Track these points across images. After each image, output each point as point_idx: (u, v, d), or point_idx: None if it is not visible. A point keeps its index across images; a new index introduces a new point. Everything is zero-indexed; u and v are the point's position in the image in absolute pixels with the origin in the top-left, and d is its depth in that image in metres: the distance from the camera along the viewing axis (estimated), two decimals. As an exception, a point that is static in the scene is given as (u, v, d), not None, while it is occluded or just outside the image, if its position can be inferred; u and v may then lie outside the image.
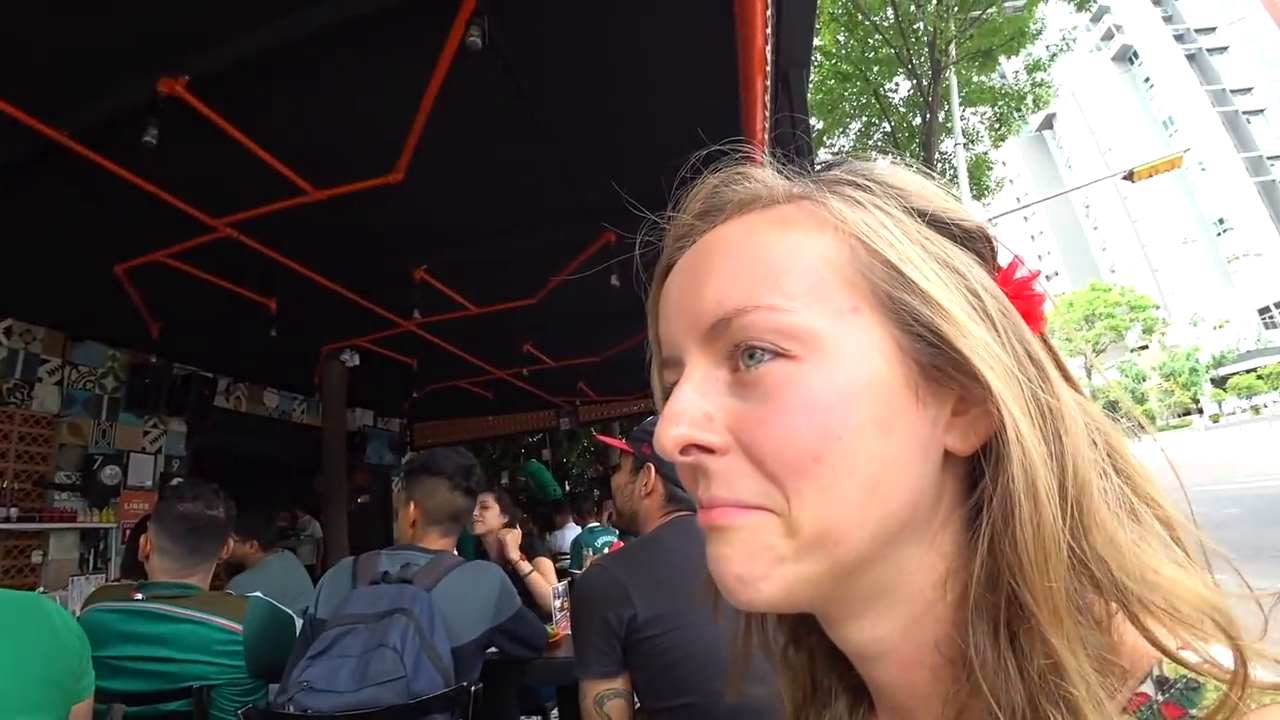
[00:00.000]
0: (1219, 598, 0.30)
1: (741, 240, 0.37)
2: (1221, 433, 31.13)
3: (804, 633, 0.45)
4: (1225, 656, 0.29)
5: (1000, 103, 12.28)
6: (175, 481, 4.03)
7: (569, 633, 1.78)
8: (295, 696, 1.40)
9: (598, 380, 5.94)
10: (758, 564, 0.33)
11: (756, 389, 0.34)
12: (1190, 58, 59.84)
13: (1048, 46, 11.86)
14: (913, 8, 10.75)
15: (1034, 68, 12.01)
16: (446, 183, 2.60)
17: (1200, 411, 45.57)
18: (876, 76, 11.70)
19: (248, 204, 2.59)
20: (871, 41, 11.26)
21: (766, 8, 1.80)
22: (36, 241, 2.74)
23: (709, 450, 0.34)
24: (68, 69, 1.86)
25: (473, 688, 1.44)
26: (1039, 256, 70.35)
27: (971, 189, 11.60)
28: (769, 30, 1.89)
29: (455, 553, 1.78)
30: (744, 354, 0.34)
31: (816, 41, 11.18)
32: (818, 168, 0.41)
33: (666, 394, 0.41)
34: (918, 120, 11.97)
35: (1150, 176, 10.64)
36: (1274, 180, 55.78)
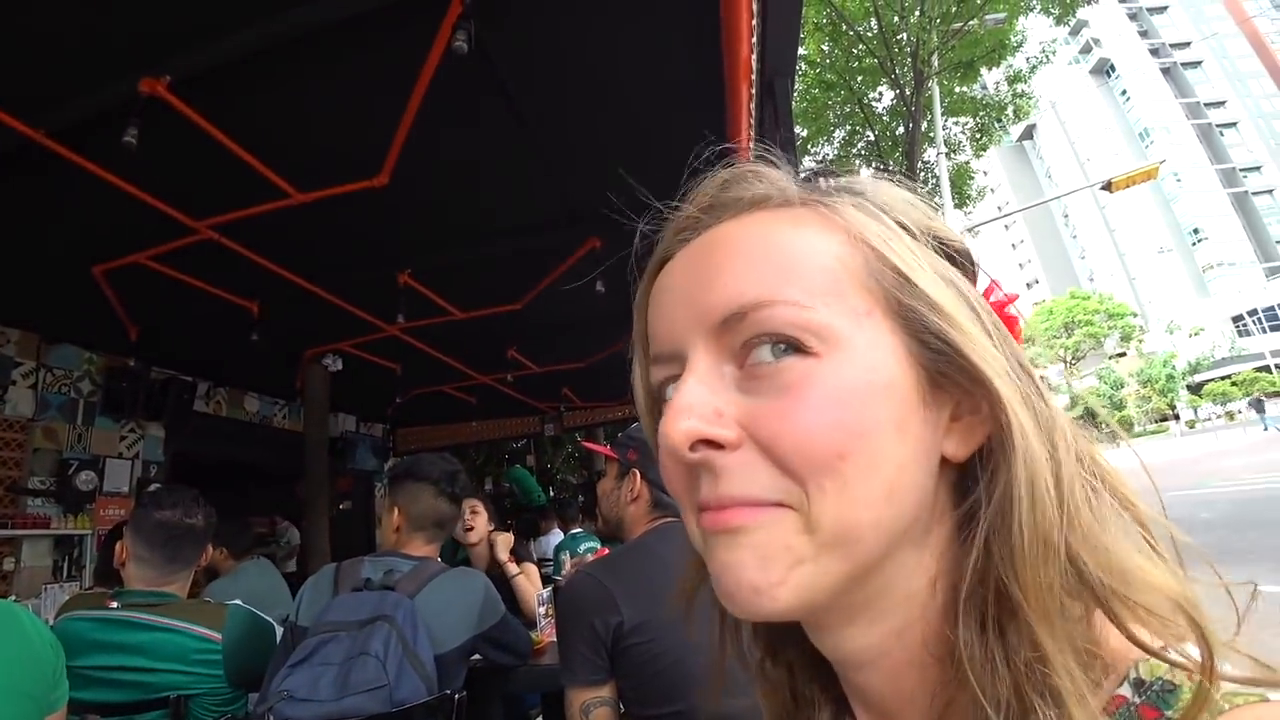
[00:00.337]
0: (1189, 589, 0.31)
1: (757, 236, 0.36)
2: (1198, 438, 31.73)
3: (781, 645, 0.44)
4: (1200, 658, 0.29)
5: (982, 113, 12.50)
6: (153, 487, 3.97)
7: (554, 639, 1.77)
8: (275, 706, 1.38)
9: (582, 386, 5.93)
10: (774, 568, 0.32)
11: (773, 383, 0.33)
12: (1165, 71, 61.25)
13: (1028, 59, 12.10)
14: (896, 19, 10.90)
15: (1014, 79, 12.24)
16: (431, 187, 2.59)
17: (1177, 417, 46.40)
18: (860, 86, 11.84)
19: (230, 206, 2.56)
20: (856, 51, 11.40)
21: (752, 17, 1.81)
22: (11, 241, 2.68)
23: (718, 446, 0.33)
24: (47, 67, 1.83)
25: (456, 696, 1.43)
26: (1019, 265, 71.44)
27: (954, 198, 11.76)
28: (754, 39, 1.91)
29: (439, 559, 1.77)
30: (757, 348, 0.34)
31: (801, 50, 11.30)
32: (803, 176, 0.41)
33: (653, 393, 0.41)
34: (901, 129, 12.12)
35: (1128, 187, 10.86)
36: (1247, 192, 57.20)
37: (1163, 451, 25.61)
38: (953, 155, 12.44)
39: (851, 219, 0.37)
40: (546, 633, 2.22)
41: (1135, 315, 49.50)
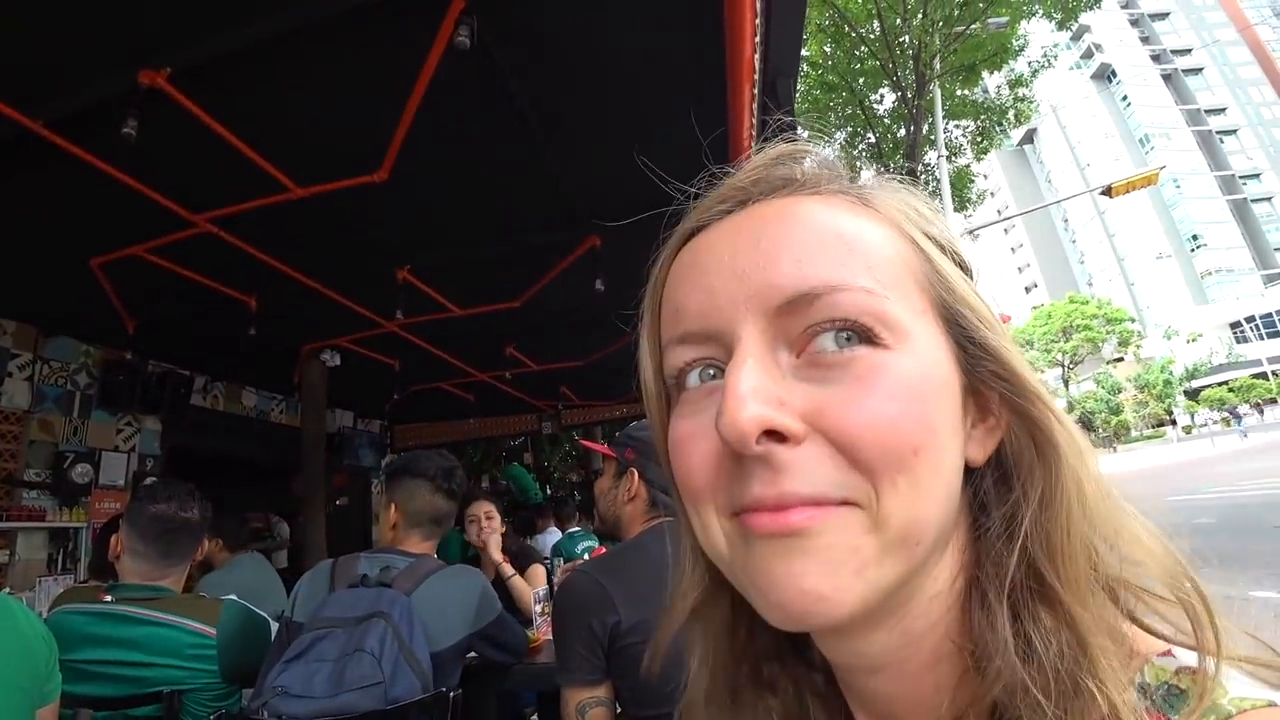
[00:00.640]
0: (1190, 569, 0.33)
1: (822, 216, 0.34)
2: (1194, 444, 31.89)
3: (776, 655, 0.43)
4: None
5: (983, 116, 12.52)
6: (149, 481, 3.96)
7: (549, 637, 1.77)
8: (269, 702, 1.37)
9: (580, 384, 5.92)
10: (842, 573, 0.30)
11: (842, 373, 0.31)
12: (1166, 78, 61.39)
13: (1029, 63, 12.12)
14: (898, 21, 10.90)
15: (1016, 83, 12.27)
16: (431, 183, 2.58)
17: (1174, 423, 46.54)
18: (862, 88, 11.85)
19: (229, 200, 2.56)
20: (858, 53, 11.41)
21: (755, 17, 1.81)
22: (10, 233, 2.67)
23: (782, 439, 0.31)
24: (46, 58, 1.82)
25: (452, 694, 1.42)
26: (1018, 269, 71.55)
27: (954, 201, 11.77)
28: (757, 39, 1.90)
29: (436, 556, 1.76)
30: (821, 335, 0.32)
31: (803, 52, 11.30)
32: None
33: (674, 376, 0.37)
34: (902, 132, 12.13)
35: (1127, 192, 10.87)
36: (1246, 199, 57.35)
37: (1159, 457, 25.80)
38: (953, 158, 12.46)
39: (900, 217, 0.37)
40: (542, 631, 2.21)
41: (1133, 320, 49.61)
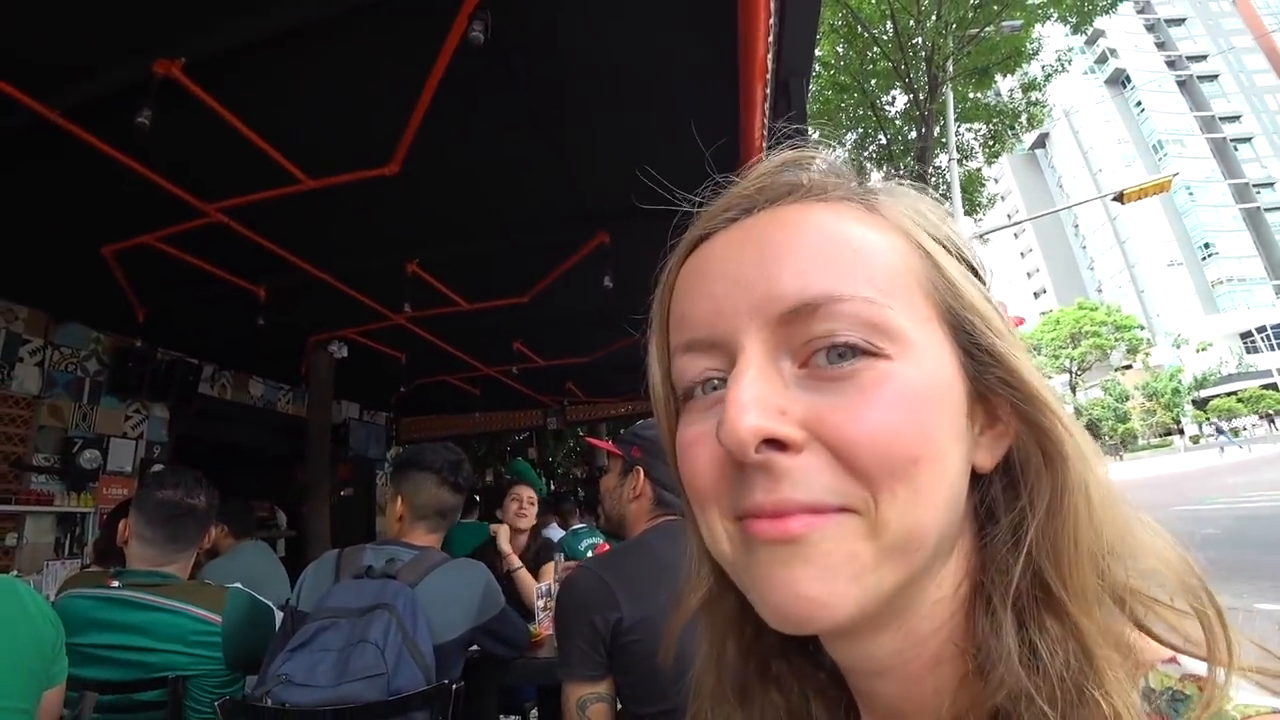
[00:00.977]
0: (1201, 573, 0.33)
1: (825, 225, 0.35)
2: (1201, 453, 31.71)
3: (781, 654, 0.43)
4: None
5: (995, 120, 12.45)
6: (157, 468, 3.99)
7: (551, 633, 1.77)
8: (273, 690, 1.38)
9: (586, 381, 5.93)
10: (838, 579, 0.31)
11: (843, 383, 0.32)
12: (1181, 84, 60.89)
13: (1043, 67, 12.04)
14: (912, 23, 10.85)
15: (1029, 87, 12.19)
16: (442, 177, 2.59)
17: (1181, 432, 46.29)
18: (874, 89, 11.81)
19: (240, 190, 2.57)
20: (870, 54, 11.36)
21: (769, 15, 1.80)
22: (23, 219, 2.69)
23: (782, 447, 0.31)
24: (62, 46, 1.83)
25: (454, 686, 1.43)
26: (1028, 274, 71.18)
27: (964, 204, 11.71)
28: (770, 38, 1.90)
29: (441, 549, 1.77)
30: (823, 344, 0.32)
31: (816, 52, 11.25)
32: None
33: (681, 388, 0.38)
34: (913, 134, 12.08)
35: (1139, 199, 10.79)
36: (1259, 208, 56.86)
37: (1166, 466, 25.65)
38: (964, 161, 12.39)
39: (907, 223, 0.37)
40: (544, 626, 2.22)
41: (1143, 328, 49.31)
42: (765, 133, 2.17)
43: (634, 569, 1.29)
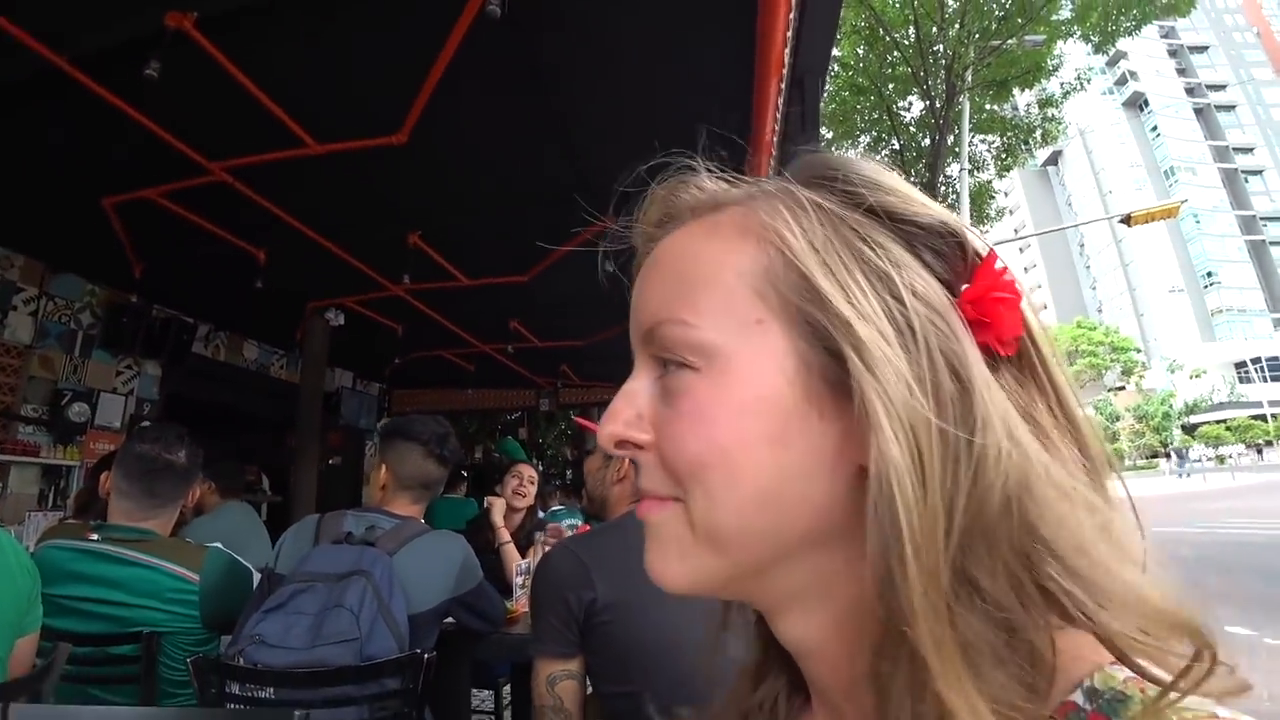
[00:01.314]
0: (1190, 611, 0.29)
1: (673, 252, 0.39)
2: (1188, 478, 31.98)
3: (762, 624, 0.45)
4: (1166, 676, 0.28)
5: (1009, 133, 12.41)
6: (145, 424, 3.99)
7: (527, 610, 1.78)
8: (246, 649, 1.39)
9: (581, 364, 5.94)
10: (669, 556, 0.36)
11: (669, 395, 0.36)
12: (1199, 111, 60.79)
13: (1062, 84, 12.00)
14: (934, 30, 10.79)
15: (1046, 103, 12.15)
16: (450, 150, 2.57)
17: (1169, 456, 46.58)
18: (891, 94, 11.75)
19: (246, 150, 2.55)
20: (890, 58, 11.30)
21: (790, 9, 1.79)
22: (24, 166, 2.67)
23: (638, 446, 0.37)
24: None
25: (426, 655, 1.44)
26: (1030, 289, 70.94)
27: (972, 215, 11.70)
28: (789, 33, 1.88)
29: (424, 521, 1.77)
30: (666, 360, 0.37)
31: (835, 52, 11.19)
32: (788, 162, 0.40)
33: None
34: (926, 141, 12.04)
35: (1147, 222, 10.80)
36: (1265, 240, 56.99)
37: (1150, 488, 25.89)
38: (975, 173, 12.36)
39: (767, 218, 0.35)
40: (521, 603, 2.23)
41: (1139, 351, 49.50)
42: (777, 127, 2.16)
43: (611, 551, 1.30)
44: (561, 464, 8.55)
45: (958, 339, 0.32)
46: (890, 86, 11.64)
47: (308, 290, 4.21)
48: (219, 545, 1.70)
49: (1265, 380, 49.38)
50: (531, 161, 2.68)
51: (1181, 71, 62.07)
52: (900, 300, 0.32)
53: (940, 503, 0.29)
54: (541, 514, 4.36)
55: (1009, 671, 0.29)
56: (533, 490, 3.00)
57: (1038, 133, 12.33)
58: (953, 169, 11.58)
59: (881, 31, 10.87)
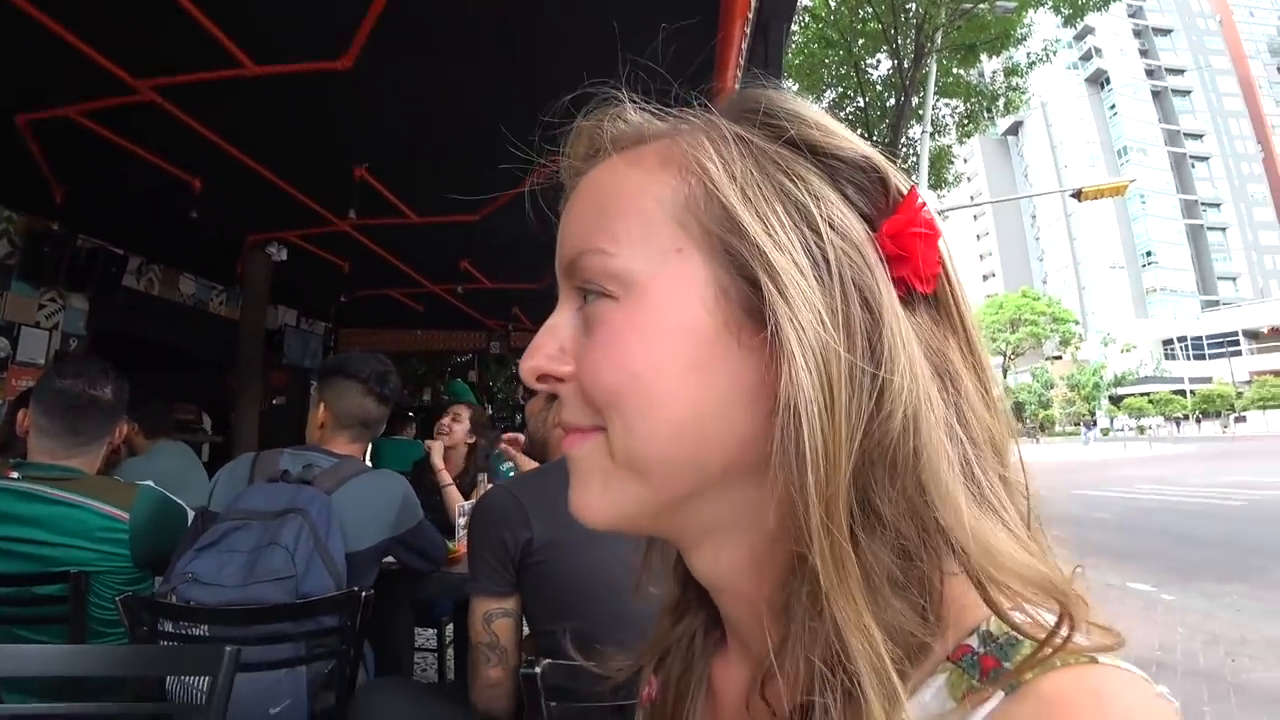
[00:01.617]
0: (1055, 572, 0.31)
1: (595, 184, 0.39)
2: (1108, 445, 34.14)
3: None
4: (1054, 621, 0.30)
5: (973, 99, 12.50)
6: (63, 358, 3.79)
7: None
8: (178, 588, 1.38)
9: (533, 307, 5.85)
10: (591, 486, 0.36)
11: (589, 325, 0.36)
12: (1156, 94, 62.38)
13: (1028, 54, 12.08)
14: (908, -14, 10.67)
15: (1011, 71, 12.25)
16: (398, 79, 2.44)
17: (1093, 424, 49.53)
18: (860, 50, 11.65)
19: (177, 68, 2.36)
20: (861, 13, 11.16)
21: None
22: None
23: (559, 379, 0.37)
24: None
25: (364, 594, 1.45)
26: (980, 255, 73.26)
27: (930, 178, 11.84)
28: (755, -23, 1.83)
29: (367, 460, 1.76)
30: (586, 291, 0.37)
31: (807, 2, 10.98)
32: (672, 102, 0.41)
33: None
34: (891, 101, 12.04)
35: (1096, 199, 11.16)
36: (1203, 226, 59.66)
37: (1073, 453, 27.58)
38: (937, 136, 12.46)
39: (690, 150, 0.36)
40: (463, 543, 2.25)
41: (1077, 323, 51.78)
42: (740, 69, 2.12)
43: (549, 492, 1.31)
44: (511, 407, 8.53)
45: (871, 272, 0.32)
46: (860, 42, 11.53)
47: (247, 223, 4.00)
48: (150, 483, 1.65)
49: (1189, 358, 52.56)
50: (482, 96, 2.56)
51: (1144, 53, 63.27)
52: (817, 232, 0.32)
53: (844, 429, 0.30)
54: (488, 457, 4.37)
55: (906, 599, 0.31)
56: (460, 429, 2.89)
57: (1001, 101, 12.45)
58: (915, 131, 11.66)
59: (855, -16, 10.69)
